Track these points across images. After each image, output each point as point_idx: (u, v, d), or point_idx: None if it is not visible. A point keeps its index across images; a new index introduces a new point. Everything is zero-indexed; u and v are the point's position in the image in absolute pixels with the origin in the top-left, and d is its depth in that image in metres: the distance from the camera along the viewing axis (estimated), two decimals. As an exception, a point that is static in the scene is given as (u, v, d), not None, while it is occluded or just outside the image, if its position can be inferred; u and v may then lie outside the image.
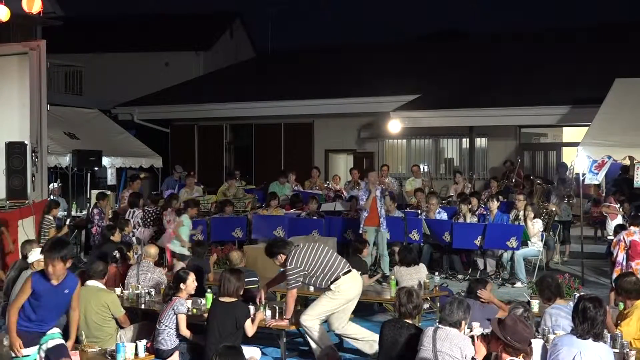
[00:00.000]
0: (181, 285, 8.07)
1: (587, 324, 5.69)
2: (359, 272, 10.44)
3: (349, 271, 8.29)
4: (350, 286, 8.22)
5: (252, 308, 8.14)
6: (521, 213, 13.43)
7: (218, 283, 7.97)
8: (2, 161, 12.88)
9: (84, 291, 8.25)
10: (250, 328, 7.74)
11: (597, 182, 13.34)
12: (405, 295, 6.92)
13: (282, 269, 8.41)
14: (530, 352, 5.55)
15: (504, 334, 5.41)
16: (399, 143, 21.02)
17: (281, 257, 8.23)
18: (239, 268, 9.73)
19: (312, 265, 8.15)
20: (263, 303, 8.49)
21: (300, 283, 8.19)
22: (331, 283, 8.15)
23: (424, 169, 19.44)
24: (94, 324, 7.93)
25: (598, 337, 5.72)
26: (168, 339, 7.82)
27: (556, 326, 6.78)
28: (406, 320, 6.86)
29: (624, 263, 10.75)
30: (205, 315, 7.98)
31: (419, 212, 14.59)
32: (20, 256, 10.24)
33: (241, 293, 7.81)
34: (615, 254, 10.91)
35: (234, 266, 9.85)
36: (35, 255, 9.40)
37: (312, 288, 9.02)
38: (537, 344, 6.04)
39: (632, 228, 11.00)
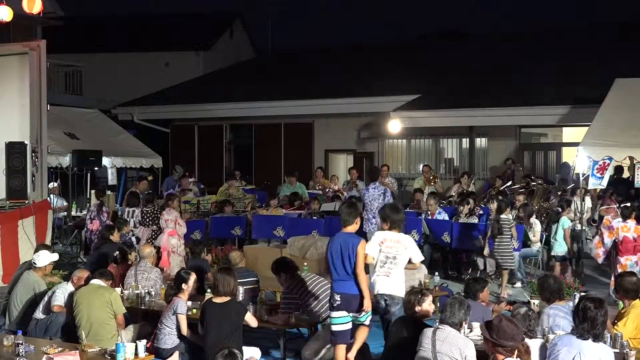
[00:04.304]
0: (183, 285, 8.08)
1: (587, 323, 5.68)
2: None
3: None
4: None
5: (251, 307, 8.16)
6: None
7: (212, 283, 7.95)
8: (2, 161, 12.89)
9: (86, 289, 8.31)
10: (252, 320, 7.76)
11: (601, 187, 13.30)
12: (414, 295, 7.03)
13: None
14: (527, 352, 5.54)
15: (491, 333, 5.43)
16: (399, 143, 21.02)
17: (282, 277, 8.24)
18: (237, 267, 9.75)
19: (307, 296, 8.12)
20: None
21: (291, 311, 8.12)
22: (322, 320, 8.08)
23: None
24: (97, 321, 7.96)
25: (598, 338, 5.71)
26: (168, 339, 7.86)
27: (555, 326, 6.77)
28: (416, 318, 6.91)
29: (609, 249, 10.92)
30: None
31: (419, 213, 14.59)
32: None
33: (236, 292, 7.82)
34: (603, 240, 10.96)
35: (234, 266, 9.86)
36: (44, 258, 9.39)
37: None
38: (536, 344, 6.03)
39: (630, 222, 10.98)
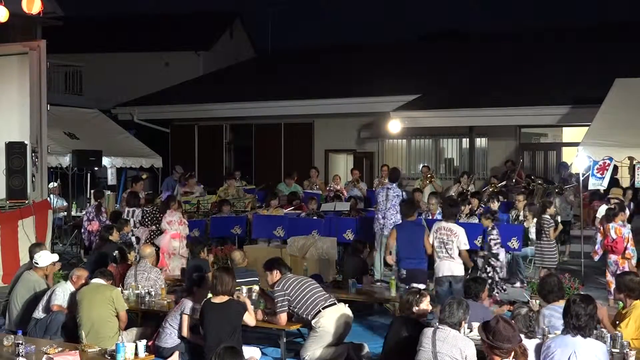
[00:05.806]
0: (194, 288, 8.14)
1: (571, 317, 5.74)
2: (360, 272, 10.52)
3: (332, 304, 8.21)
4: (330, 321, 8.10)
5: (252, 307, 8.16)
6: (521, 213, 13.42)
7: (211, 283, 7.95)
8: (2, 161, 12.87)
9: (87, 288, 8.33)
10: (250, 319, 7.76)
11: (602, 188, 13.28)
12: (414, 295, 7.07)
13: (269, 290, 8.44)
14: (524, 354, 5.54)
15: (487, 335, 5.43)
16: (399, 143, 21.01)
17: (276, 275, 8.26)
18: (238, 267, 9.76)
19: (296, 294, 8.12)
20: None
21: (287, 308, 8.15)
22: (313, 318, 8.10)
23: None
24: (99, 319, 7.96)
25: (584, 331, 5.74)
26: (170, 338, 7.89)
27: (551, 327, 6.76)
28: (414, 318, 6.92)
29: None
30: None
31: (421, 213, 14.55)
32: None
33: (234, 291, 7.82)
34: (596, 237, 11.48)
35: (236, 266, 9.87)
36: (45, 258, 9.38)
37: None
38: (532, 345, 6.03)
39: (612, 223, 11.17)
